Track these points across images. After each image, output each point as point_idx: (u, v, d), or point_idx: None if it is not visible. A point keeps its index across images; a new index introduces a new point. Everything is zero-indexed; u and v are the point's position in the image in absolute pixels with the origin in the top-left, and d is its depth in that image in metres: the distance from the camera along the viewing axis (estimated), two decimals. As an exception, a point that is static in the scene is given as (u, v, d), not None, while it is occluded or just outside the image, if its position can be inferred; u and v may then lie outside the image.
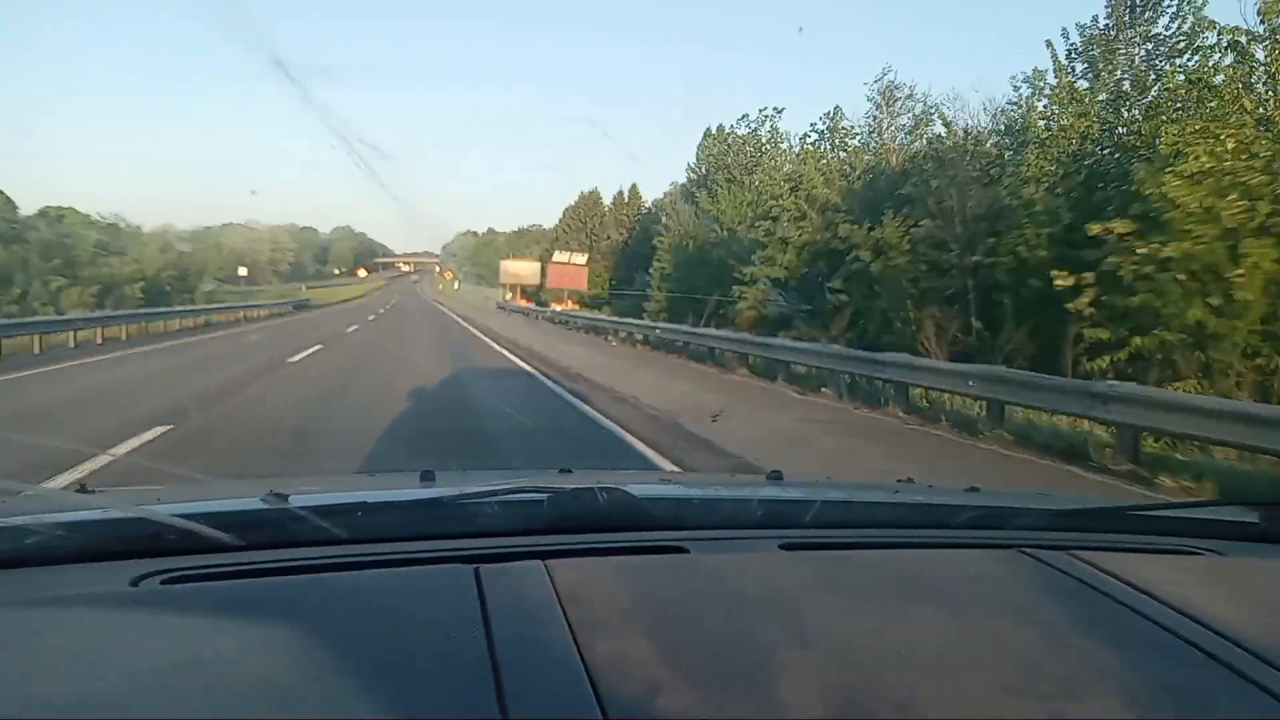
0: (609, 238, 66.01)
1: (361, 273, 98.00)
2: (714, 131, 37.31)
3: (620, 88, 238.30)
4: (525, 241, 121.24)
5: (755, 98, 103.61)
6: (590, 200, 65.84)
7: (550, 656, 0.67)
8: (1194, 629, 0.79)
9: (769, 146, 33.16)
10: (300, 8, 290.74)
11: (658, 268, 33.09)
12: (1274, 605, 0.92)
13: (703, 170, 37.83)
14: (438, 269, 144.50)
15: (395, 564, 0.90)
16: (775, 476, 1.58)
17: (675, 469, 5.99)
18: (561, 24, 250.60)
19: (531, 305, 43.03)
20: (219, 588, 0.84)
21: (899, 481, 1.66)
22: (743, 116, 35.32)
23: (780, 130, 33.42)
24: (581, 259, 48.48)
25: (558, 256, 48.30)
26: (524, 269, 54.24)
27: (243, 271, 59.11)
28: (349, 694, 0.61)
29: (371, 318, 34.18)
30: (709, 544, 1.04)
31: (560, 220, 74.45)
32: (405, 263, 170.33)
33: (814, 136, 28.47)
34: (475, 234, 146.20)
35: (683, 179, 41.89)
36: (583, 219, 65.53)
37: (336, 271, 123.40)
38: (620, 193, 69.03)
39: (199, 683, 0.62)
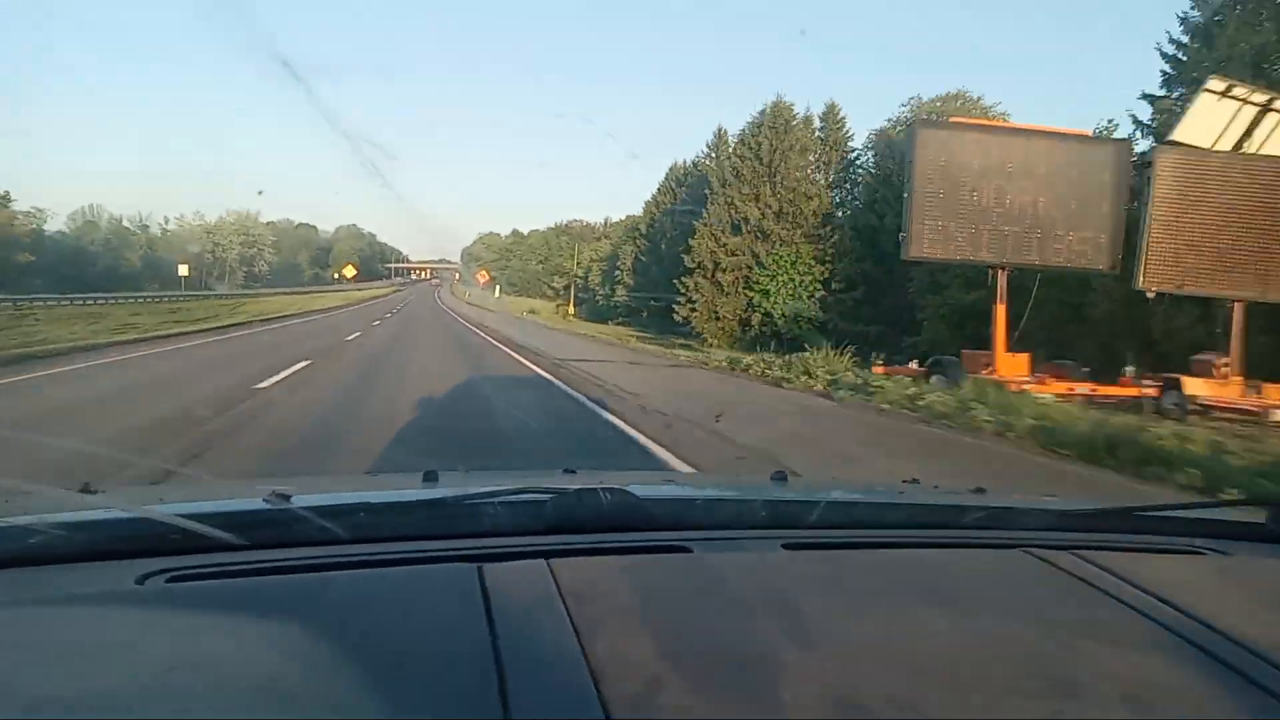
0: (816, 198, 35.85)
1: (349, 271, 63.00)
2: None
3: (648, 74, 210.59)
4: (568, 239, 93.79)
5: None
6: (776, 121, 34.15)
7: (553, 655, 0.67)
8: (1199, 629, 0.79)
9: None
10: (316, 6, 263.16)
11: None
12: (1279, 606, 0.89)
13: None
14: (457, 276, 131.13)
15: (398, 563, 0.90)
16: (779, 477, 1.53)
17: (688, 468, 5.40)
18: (575, 15, 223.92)
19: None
20: (225, 586, 0.83)
21: (904, 482, 1.63)
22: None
23: None
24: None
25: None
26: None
27: (183, 271, 43.73)
28: (352, 692, 0.62)
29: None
30: (711, 543, 1.03)
31: (692, 166, 44.22)
32: (420, 268, 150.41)
33: None
34: (499, 235, 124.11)
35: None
36: (761, 153, 33.98)
37: (336, 275, 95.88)
38: (808, 116, 38.64)
39: (205, 680, 0.62)
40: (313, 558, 0.90)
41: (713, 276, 34.12)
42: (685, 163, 50.19)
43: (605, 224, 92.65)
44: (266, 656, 0.66)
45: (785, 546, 1.02)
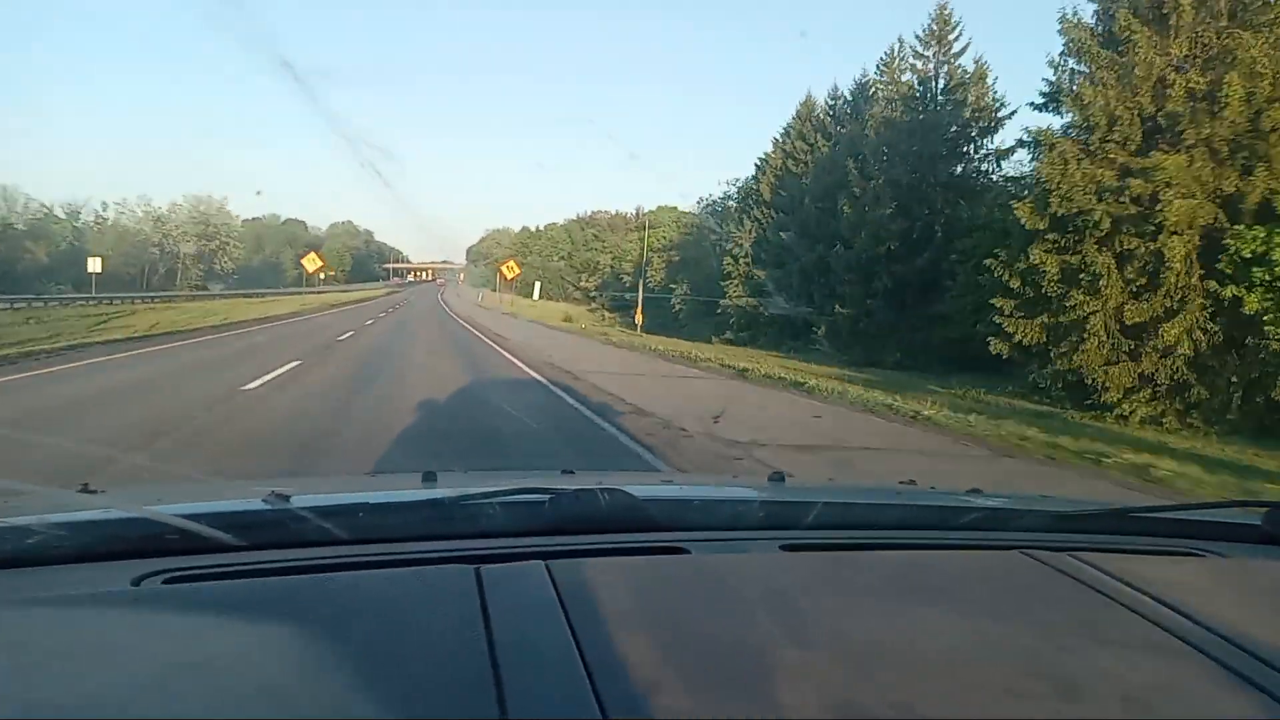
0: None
1: (310, 263, 40.65)
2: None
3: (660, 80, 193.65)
4: (594, 230, 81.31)
5: None
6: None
7: (550, 657, 0.67)
8: (1195, 631, 0.79)
9: None
10: (321, 7, 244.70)
11: None
12: (1275, 607, 0.90)
13: None
14: (461, 277, 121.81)
15: (397, 564, 0.90)
16: (777, 478, 1.53)
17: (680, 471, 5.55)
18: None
19: None
20: (221, 587, 0.83)
21: (900, 484, 1.62)
22: None
23: None
24: None
25: None
26: None
27: (94, 267, 34.57)
28: (349, 694, 0.61)
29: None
30: (710, 545, 1.04)
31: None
32: (421, 269, 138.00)
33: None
34: (510, 230, 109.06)
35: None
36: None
37: (323, 276, 78.15)
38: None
39: (201, 682, 0.62)
40: (311, 558, 0.89)
41: (1104, 249, 14.86)
42: (828, 96, 31.35)
43: (638, 213, 75.84)
44: (263, 658, 0.66)
45: (783, 547, 1.02)
